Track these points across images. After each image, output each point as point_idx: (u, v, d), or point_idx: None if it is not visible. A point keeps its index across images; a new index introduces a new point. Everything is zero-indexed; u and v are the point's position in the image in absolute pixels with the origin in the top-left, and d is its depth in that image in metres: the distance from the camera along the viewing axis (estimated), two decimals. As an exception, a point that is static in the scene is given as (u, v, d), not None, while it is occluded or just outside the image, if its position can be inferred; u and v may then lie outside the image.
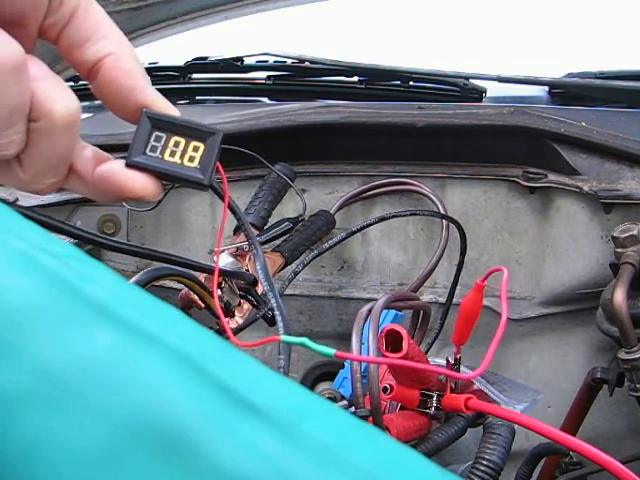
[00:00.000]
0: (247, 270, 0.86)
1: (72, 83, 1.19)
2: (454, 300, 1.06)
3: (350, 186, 1.14)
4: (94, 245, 0.47)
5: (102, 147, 0.40)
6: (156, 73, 1.37)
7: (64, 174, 0.38)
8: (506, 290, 0.58)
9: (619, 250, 0.90)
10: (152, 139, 0.40)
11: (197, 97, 1.37)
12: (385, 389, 0.73)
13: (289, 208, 1.11)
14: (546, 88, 1.32)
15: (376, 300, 0.74)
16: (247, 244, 0.87)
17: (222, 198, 0.45)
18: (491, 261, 1.14)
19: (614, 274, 0.90)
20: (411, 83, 1.29)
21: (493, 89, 1.27)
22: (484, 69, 1.29)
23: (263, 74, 1.35)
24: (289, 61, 1.34)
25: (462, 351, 0.80)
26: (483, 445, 0.70)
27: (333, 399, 0.93)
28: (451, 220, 1.03)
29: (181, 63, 1.37)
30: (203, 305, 0.70)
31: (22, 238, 0.25)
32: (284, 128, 1.08)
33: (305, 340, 0.41)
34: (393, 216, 1.01)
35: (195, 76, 1.38)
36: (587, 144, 1.02)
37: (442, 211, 1.06)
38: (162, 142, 0.40)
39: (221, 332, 0.65)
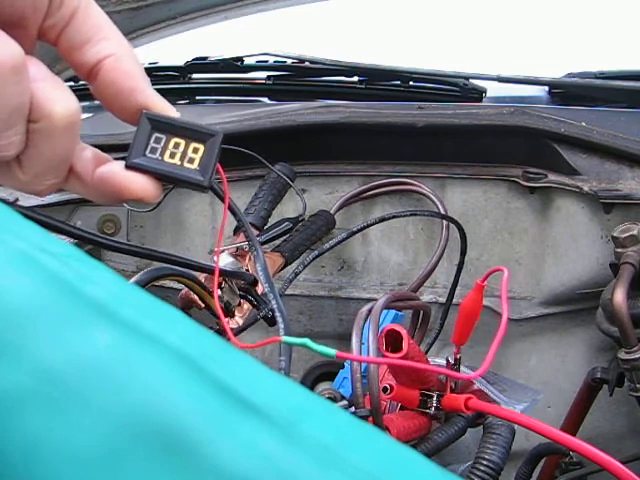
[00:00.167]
0: (247, 270, 0.86)
1: (72, 83, 1.19)
2: (454, 300, 1.06)
3: (350, 186, 1.14)
4: (94, 245, 0.47)
5: (102, 147, 0.40)
6: (156, 73, 1.37)
7: (64, 175, 0.38)
8: (506, 290, 0.58)
9: (619, 250, 0.90)
10: (152, 141, 0.40)
11: (197, 97, 1.37)
12: (385, 389, 0.73)
13: (289, 208, 1.11)
14: (546, 88, 1.32)
15: (376, 300, 0.74)
16: (247, 244, 0.87)
17: (222, 199, 0.45)
18: (491, 261, 1.14)
19: (614, 274, 0.90)
20: (411, 83, 1.29)
21: (493, 89, 1.27)
22: (484, 69, 1.29)
23: (263, 74, 1.35)
24: (289, 61, 1.34)
25: (462, 351, 0.80)
26: (483, 445, 0.70)
27: (333, 399, 0.93)
28: (451, 220, 1.03)
29: (181, 63, 1.37)
30: (203, 305, 0.70)
31: (22, 238, 0.25)
32: (284, 128, 1.08)
33: (306, 341, 0.41)
34: (393, 216, 1.01)
35: (195, 76, 1.38)
36: (587, 144, 1.02)
37: (442, 211, 1.06)
38: (162, 144, 0.40)
39: (221, 332, 0.65)
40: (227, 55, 1.36)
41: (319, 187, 1.15)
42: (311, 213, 1.09)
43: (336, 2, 1.29)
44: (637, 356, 0.82)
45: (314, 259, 0.94)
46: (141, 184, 0.39)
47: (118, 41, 0.38)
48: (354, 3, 1.83)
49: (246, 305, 0.78)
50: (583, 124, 1.03)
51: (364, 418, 0.68)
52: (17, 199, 0.91)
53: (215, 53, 1.39)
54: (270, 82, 1.34)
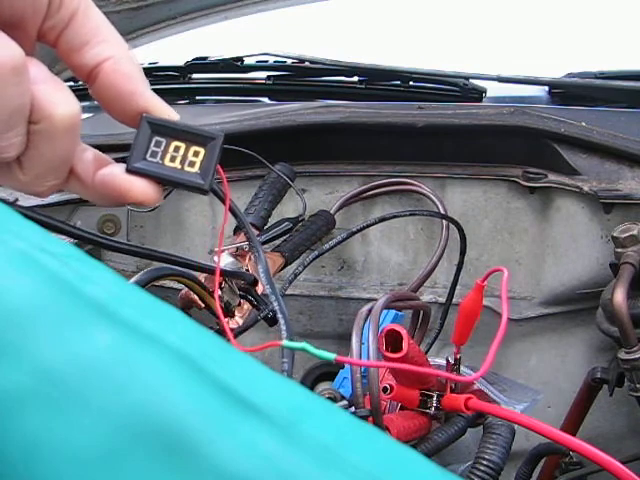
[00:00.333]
0: (247, 270, 0.86)
1: (71, 83, 1.19)
2: (454, 300, 1.06)
3: (350, 186, 1.14)
4: (94, 245, 0.47)
5: (101, 147, 0.40)
6: (156, 73, 1.37)
7: (64, 176, 0.38)
8: (506, 290, 0.58)
9: (619, 250, 0.90)
10: (152, 144, 0.39)
11: (197, 97, 1.37)
12: (385, 389, 0.73)
13: (289, 208, 1.11)
14: (546, 88, 1.32)
15: (376, 300, 0.74)
16: (247, 244, 0.87)
17: (223, 201, 0.45)
18: (491, 261, 1.14)
19: (614, 274, 0.90)
20: (411, 83, 1.29)
21: (493, 89, 1.27)
22: (484, 69, 1.29)
23: (263, 74, 1.35)
24: (289, 61, 1.34)
25: (462, 351, 0.80)
26: (483, 445, 0.70)
27: (333, 399, 0.93)
28: (451, 220, 1.03)
29: (181, 63, 1.37)
30: (203, 305, 0.70)
31: (22, 238, 0.25)
32: (284, 128, 1.08)
33: (305, 345, 0.41)
34: (393, 216, 1.01)
35: (195, 76, 1.38)
36: (587, 144, 1.02)
37: (442, 211, 1.06)
38: (162, 147, 0.40)
39: (221, 332, 0.65)
40: (227, 55, 1.36)
41: (319, 187, 1.15)
42: (311, 213, 1.09)
43: (336, 2, 1.29)
44: (637, 356, 0.82)
45: (314, 259, 0.94)
46: (142, 188, 0.39)
47: (117, 43, 0.38)
48: (354, 3, 1.83)
49: (246, 305, 0.78)
50: (583, 124, 1.03)
51: (364, 418, 0.68)
52: (17, 199, 0.91)
53: (215, 53, 1.39)
54: (270, 82, 1.34)
